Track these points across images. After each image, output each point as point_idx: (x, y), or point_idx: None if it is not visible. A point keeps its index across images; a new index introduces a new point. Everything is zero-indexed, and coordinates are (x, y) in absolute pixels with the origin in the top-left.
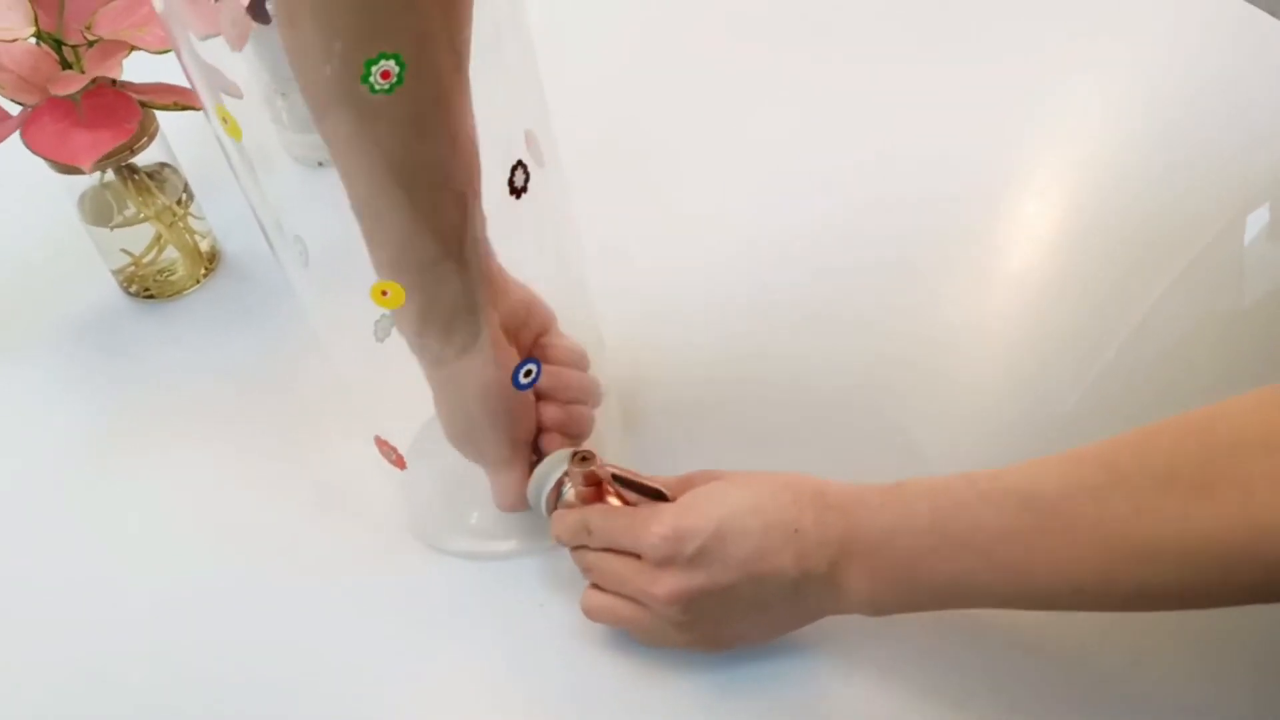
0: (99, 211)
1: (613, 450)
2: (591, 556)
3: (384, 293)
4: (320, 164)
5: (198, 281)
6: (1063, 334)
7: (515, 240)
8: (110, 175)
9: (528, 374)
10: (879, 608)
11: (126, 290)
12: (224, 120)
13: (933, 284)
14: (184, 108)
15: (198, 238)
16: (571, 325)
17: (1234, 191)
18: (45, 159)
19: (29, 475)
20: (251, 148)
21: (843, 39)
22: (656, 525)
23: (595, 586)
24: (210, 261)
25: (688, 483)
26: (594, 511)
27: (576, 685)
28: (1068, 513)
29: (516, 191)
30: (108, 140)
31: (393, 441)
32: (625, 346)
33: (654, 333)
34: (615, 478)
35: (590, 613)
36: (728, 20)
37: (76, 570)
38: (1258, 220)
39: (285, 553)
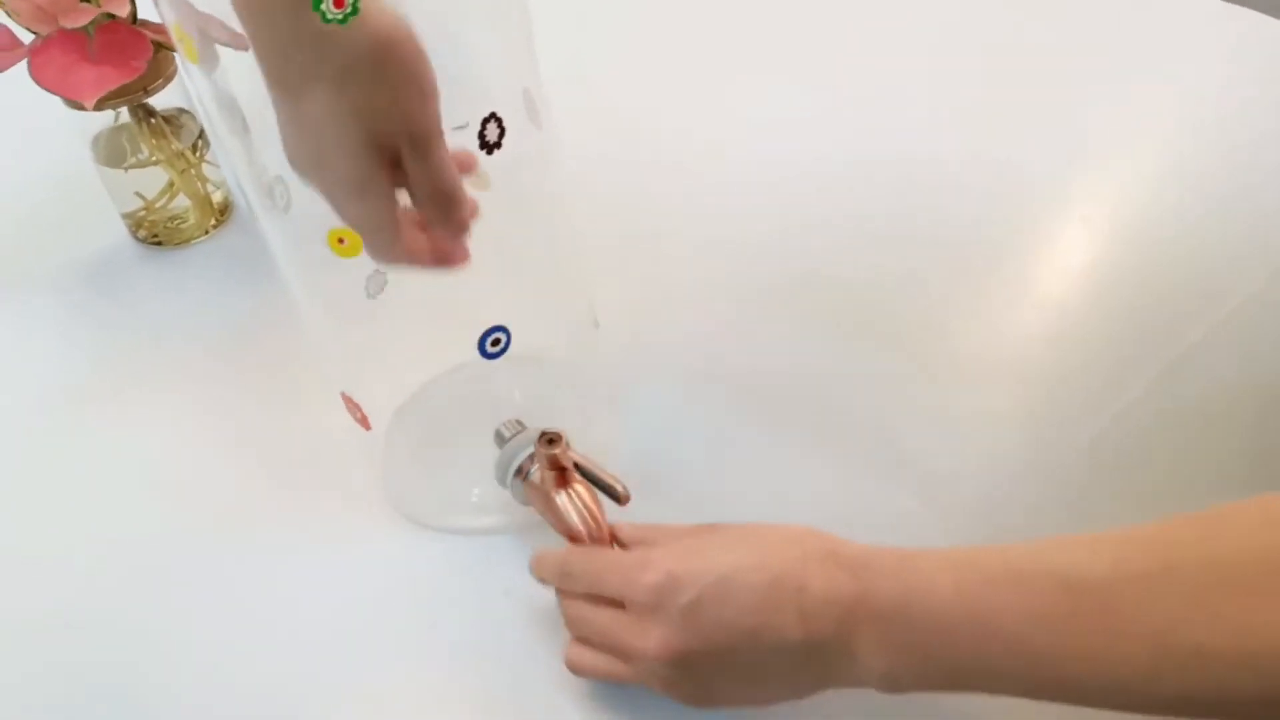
0: (113, 153)
1: (600, 431)
2: (572, 608)
3: (340, 240)
4: None
5: (206, 232)
6: (1086, 367)
7: (506, 205)
8: (125, 117)
9: (495, 343)
10: (894, 682)
11: (134, 235)
12: (180, 40)
13: (955, 300)
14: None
15: (210, 188)
16: (562, 298)
17: None
18: (51, 93)
19: (11, 411)
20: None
21: (886, 34)
22: (648, 573)
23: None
24: (221, 213)
25: (676, 534)
26: (576, 554)
27: (534, 677)
28: (1111, 600)
29: (488, 147)
30: (113, 77)
31: (370, 406)
32: (618, 328)
33: (651, 317)
34: (576, 465)
35: (574, 668)
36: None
37: (43, 510)
38: None
39: (253, 510)
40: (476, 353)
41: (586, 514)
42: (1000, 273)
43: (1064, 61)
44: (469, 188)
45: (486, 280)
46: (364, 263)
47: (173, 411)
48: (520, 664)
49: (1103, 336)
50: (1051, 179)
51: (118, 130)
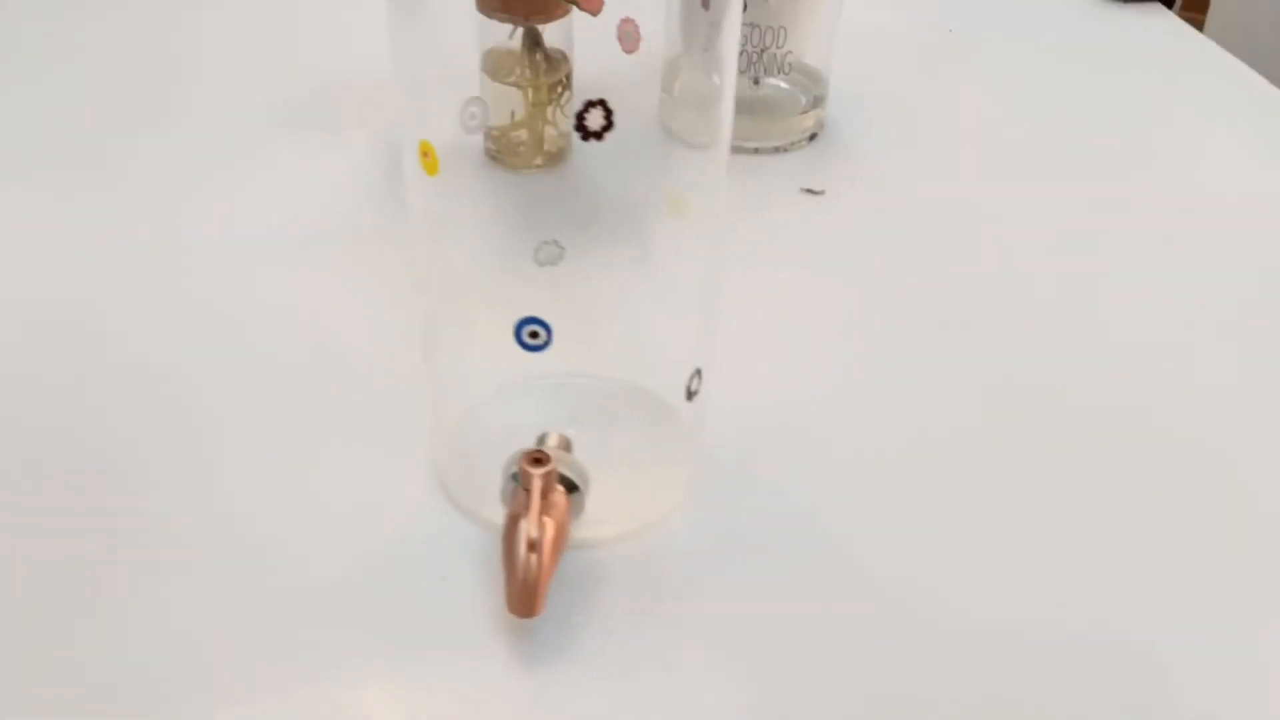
0: (497, 69)
1: (659, 496)
2: None
3: (425, 154)
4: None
5: (529, 168)
6: None
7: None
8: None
9: (533, 335)
10: None
11: (486, 145)
12: None
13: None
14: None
15: (550, 130)
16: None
17: None
18: None
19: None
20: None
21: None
22: None
23: None
24: (548, 159)
25: None
26: None
27: (458, 666)
28: None
29: (586, 134)
30: None
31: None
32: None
33: (766, 409)
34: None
35: None
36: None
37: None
38: None
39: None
40: (587, 364)
41: (533, 562)
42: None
43: None
44: (670, 209)
45: (636, 308)
46: (538, 230)
47: (356, 285)
48: (443, 653)
49: None
50: None
51: (506, 54)
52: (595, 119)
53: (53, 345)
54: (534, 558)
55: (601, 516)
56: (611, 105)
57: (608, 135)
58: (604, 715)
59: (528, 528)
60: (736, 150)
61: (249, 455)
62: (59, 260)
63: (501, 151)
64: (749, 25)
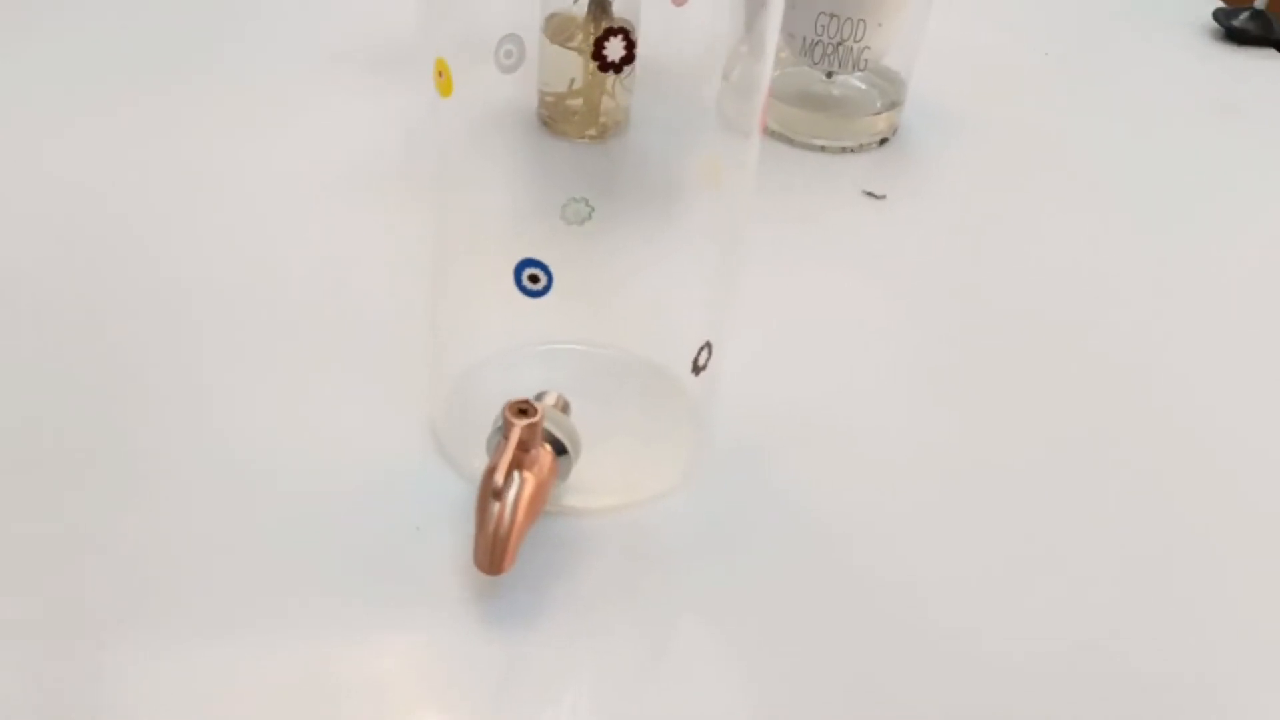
0: (557, 33)
1: (660, 471)
2: None
3: (440, 74)
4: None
5: (582, 137)
6: None
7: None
8: (583, 8)
9: (533, 279)
10: None
11: (539, 109)
12: None
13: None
14: None
15: (608, 100)
16: (684, 330)
17: None
18: None
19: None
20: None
21: None
22: None
23: None
24: (601, 130)
25: None
26: None
27: (419, 616)
28: None
29: (604, 64)
30: None
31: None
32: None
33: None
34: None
35: None
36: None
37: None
38: None
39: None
40: (598, 333)
41: (505, 516)
42: None
43: None
44: (704, 177)
45: (655, 280)
46: (568, 187)
47: (382, 230)
48: (413, 606)
49: None
50: None
51: (570, 19)
52: (615, 48)
53: (70, 246)
54: (500, 509)
55: (594, 485)
56: (635, 38)
57: (627, 69)
58: (563, 683)
59: (496, 476)
60: (804, 147)
61: (243, 380)
62: (98, 167)
63: (554, 118)
64: (828, 15)
